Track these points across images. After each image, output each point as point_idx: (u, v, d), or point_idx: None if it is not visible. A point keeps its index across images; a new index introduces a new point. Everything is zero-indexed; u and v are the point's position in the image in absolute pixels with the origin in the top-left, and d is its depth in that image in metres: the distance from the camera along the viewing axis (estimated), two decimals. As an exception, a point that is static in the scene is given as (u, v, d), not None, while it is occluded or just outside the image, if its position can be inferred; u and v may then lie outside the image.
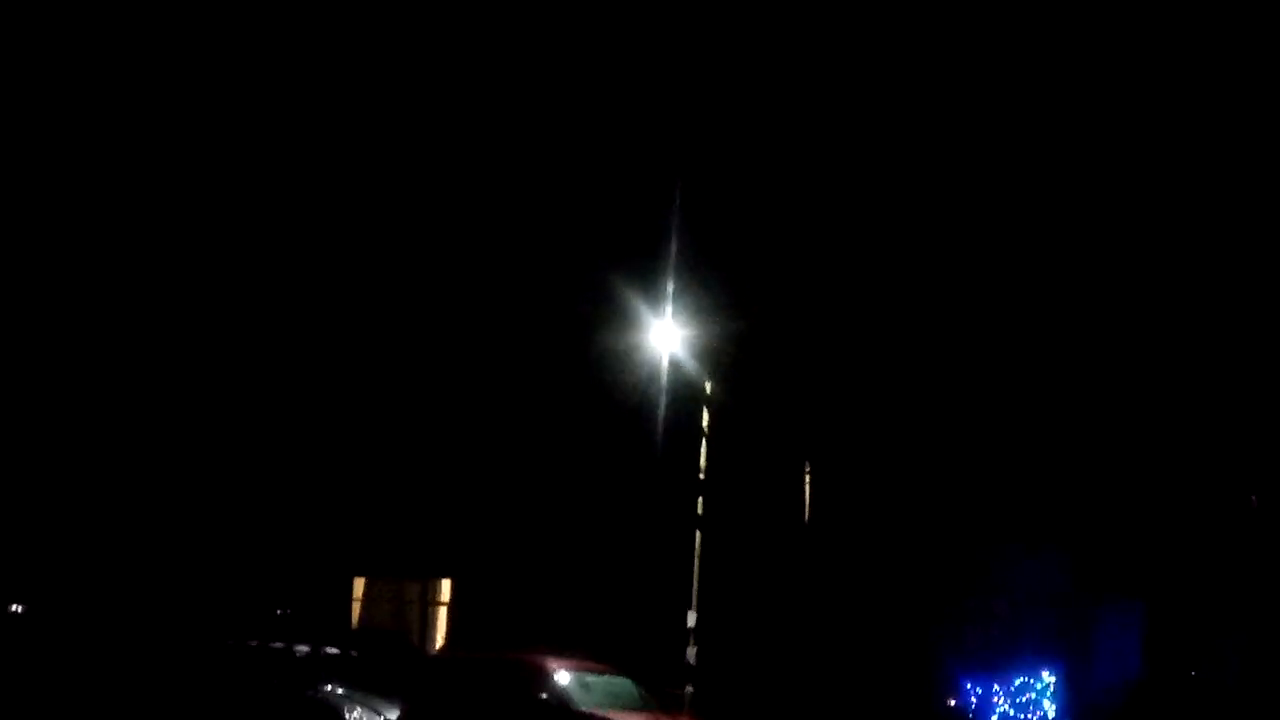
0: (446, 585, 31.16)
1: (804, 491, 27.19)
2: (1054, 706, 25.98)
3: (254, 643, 23.49)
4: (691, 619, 23.73)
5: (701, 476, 24.17)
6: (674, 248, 25.27)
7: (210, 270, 35.02)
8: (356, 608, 32.94)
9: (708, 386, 24.49)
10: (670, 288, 24.58)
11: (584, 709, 17.32)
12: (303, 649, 22.81)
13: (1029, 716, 25.93)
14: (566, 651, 18.98)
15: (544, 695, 17.56)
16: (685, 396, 25.15)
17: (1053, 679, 26.13)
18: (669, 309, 24.49)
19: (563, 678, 17.81)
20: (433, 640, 30.72)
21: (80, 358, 38.02)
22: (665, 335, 24.47)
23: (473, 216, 30.88)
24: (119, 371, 37.42)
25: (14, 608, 35.12)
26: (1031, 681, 26.16)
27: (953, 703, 26.55)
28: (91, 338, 37.83)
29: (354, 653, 22.89)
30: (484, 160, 30.92)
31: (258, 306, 34.72)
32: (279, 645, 23.11)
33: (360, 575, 33.04)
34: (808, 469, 27.26)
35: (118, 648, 27.39)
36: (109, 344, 37.46)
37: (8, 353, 38.64)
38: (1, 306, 38.18)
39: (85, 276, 37.68)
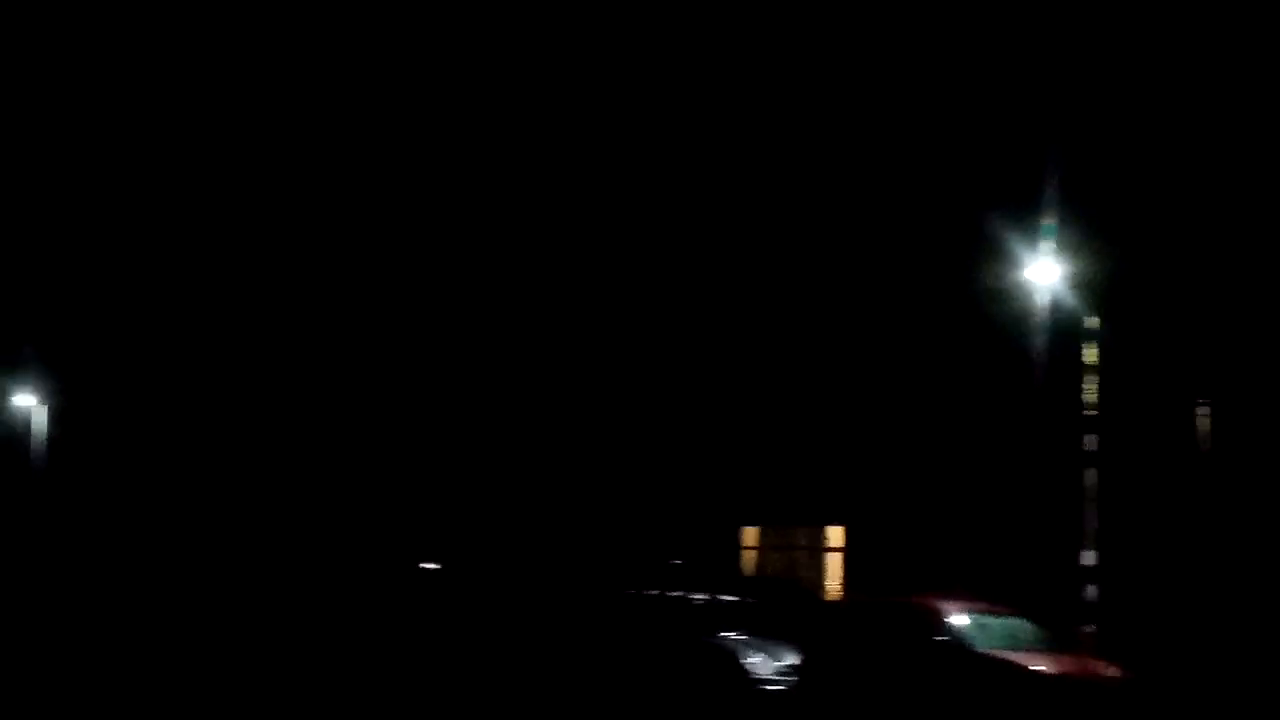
0: (837, 531, 31.32)
1: (1196, 425, 26.05)
2: None
3: (653, 592, 24.28)
4: (1089, 557, 23.20)
5: (1092, 413, 23.52)
6: (1052, 180, 24.62)
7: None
8: (748, 556, 33.50)
9: (1091, 321, 23.77)
10: (1047, 221, 24.00)
11: (983, 650, 17.26)
12: (699, 597, 23.42)
13: None
14: (962, 593, 18.89)
15: (942, 637, 17.57)
16: (1064, 332, 24.52)
17: None
18: (1046, 243, 23.89)
19: (960, 620, 17.74)
20: (825, 586, 30.95)
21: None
22: (1043, 270, 23.90)
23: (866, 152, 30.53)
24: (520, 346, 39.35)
25: (428, 565, 37.49)
26: None
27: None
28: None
29: (749, 600, 23.34)
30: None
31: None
32: (676, 594, 23.80)
33: (751, 524, 33.57)
34: (1202, 401, 26.10)
35: (529, 599, 28.93)
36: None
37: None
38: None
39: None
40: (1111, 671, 17.75)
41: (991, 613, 18.34)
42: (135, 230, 44.56)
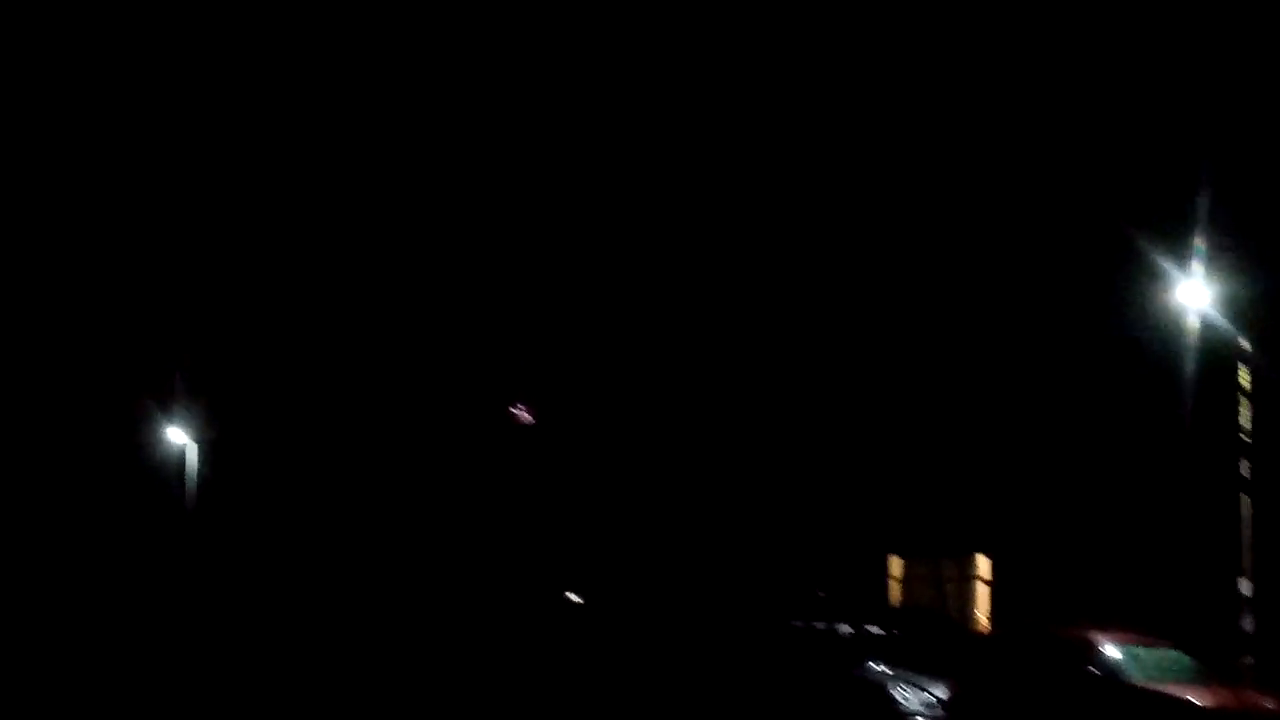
0: (984, 561, 30.92)
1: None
2: None
3: (798, 624, 24.21)
4: (1245, 587, 22.60)
5: (1247, 438, 22.94)
6: (1205, 201, 24.14)
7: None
8: (894, 587, 33.23)
9: (1246, 344, 23.21)
10: (1199, 244, 23.49)
11: (1137, 682, 16.92)
12: (845, 629, 23.29)
13: None
14: (1114, 624, 18.52)
15: (1094, 669, 17.27)
16: (1216, 357, 23.98)
17: None
18: (1198, 266, 23.39)
19: (1112, 651, 17.42)
20: (972, 618, 30.57)
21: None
22: (1194, 293, 23.41)
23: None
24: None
25: (571, 596, 37.98)
26: None
27: None
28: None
29: (896, 632, 23.14)
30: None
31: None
32: (822, 626, 23.71)
33: (896, 554, 33.30)
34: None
35: (674, 630, 29.06)
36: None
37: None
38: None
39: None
40: (1270, 704, 17.26)
41: (1145, 644, 17.96)
42: (289, 268, 45.74)
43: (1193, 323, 23.88)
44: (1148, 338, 25.74)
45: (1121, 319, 26.70)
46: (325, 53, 42.16)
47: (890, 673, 20.47)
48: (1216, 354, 23.96)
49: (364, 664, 27.32)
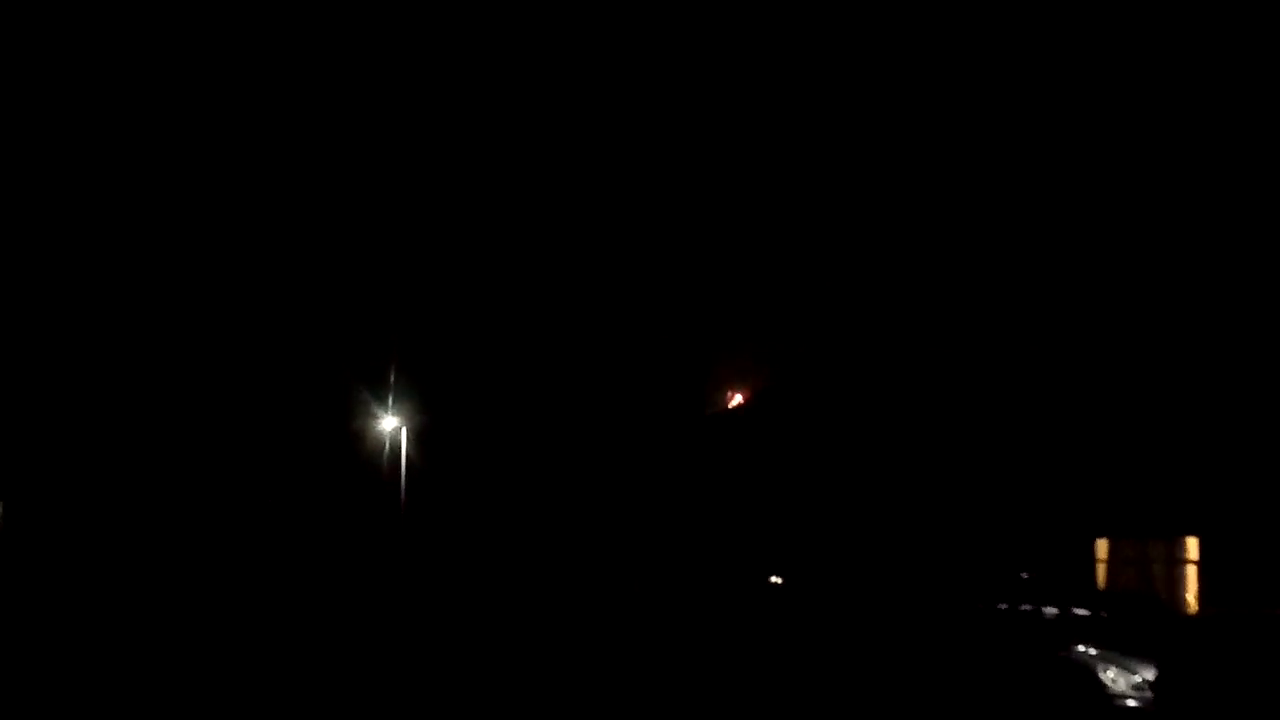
0: (1193, 542, 30.47)
1: None
2: None
3: (1003, 606, 24.23)
4: None
5: None
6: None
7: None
8: (1100, 569, 32.91)
9: None
10: None
11: (1353, 666, 16.70)
12: (1051, 611, 23.24)
13: None
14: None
15: (1307, 652, 17.08)
16: None
17: None
18: None
19: (1327, 634, 17.22)
20: (1181, 600, 30.15)
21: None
22: None
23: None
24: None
25: (773, 579, 38.55)
26: None
27: None
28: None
29: (1103, 613, 23.03)
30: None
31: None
32: (1027, 608, 23.70)
33: (1103, 536, 32.99)
34: None
35: (881, 611, 29.34)
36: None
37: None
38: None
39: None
40: None
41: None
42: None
43: None
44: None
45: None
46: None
47: (1097, 654, 20.41)
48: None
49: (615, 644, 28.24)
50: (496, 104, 46.26)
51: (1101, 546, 32.99)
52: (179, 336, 45.65)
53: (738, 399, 47.02)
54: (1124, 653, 20.23)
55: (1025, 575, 26.85)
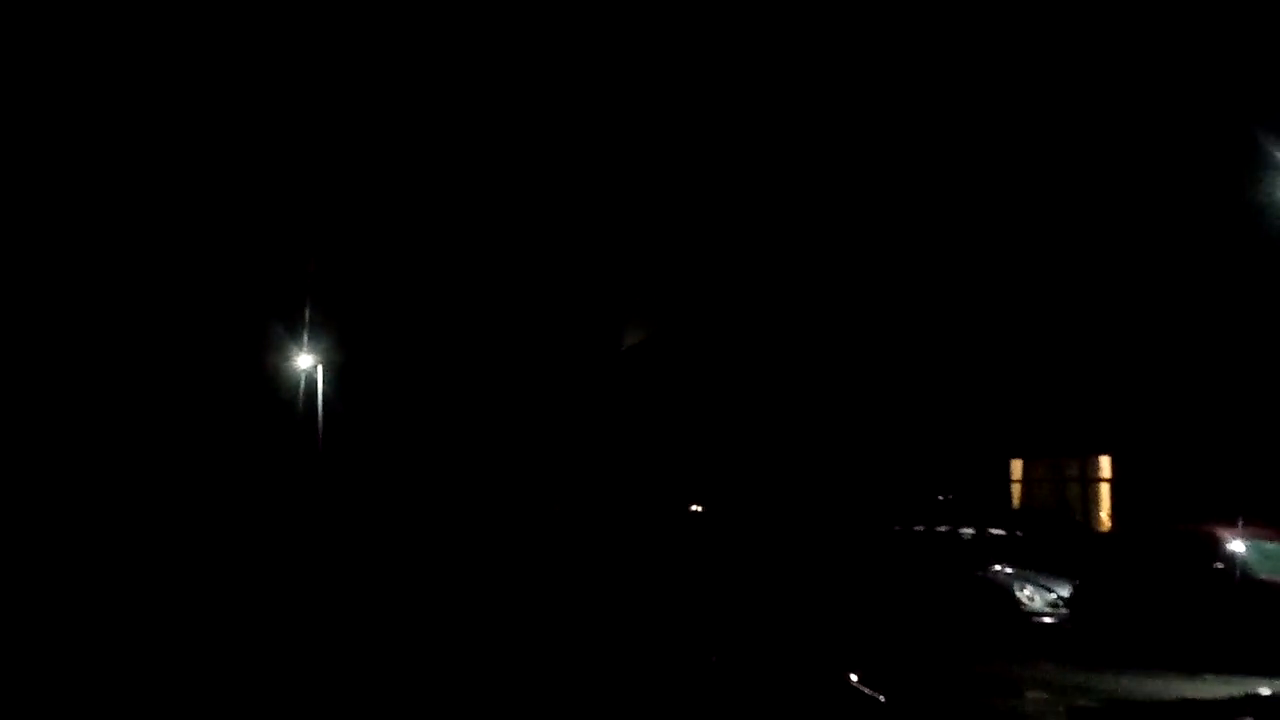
0: (1106, 461, 30.76)
1: None
2: None
3: (920, 527, 24.40)
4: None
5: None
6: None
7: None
8: (1015, 489, 33.20)
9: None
10: None
11: (1264, 577, 16.85)
12: (968, 532, 23.43)
13: None
14: (1241, 520, 18.42)
15: (1220, 565, 17.21)
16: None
17: None
18: None
19: (1238, 546, 17.34)
20: (1095, 518, 30.47)
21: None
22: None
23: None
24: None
25: (694, 507, 38.62)
26: None
27: None
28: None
29: (1019, 533, 23.23)
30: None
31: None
32: (944, 529, 23.88)
33: (1017, 456, 33.23)
34: None
35: (798, 536, 29.44)
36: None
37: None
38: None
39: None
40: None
41: (1273, 538, 17.84)
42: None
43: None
44: (1272, 226, 25.24)
45: (1248, 208, 26.16)
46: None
47: (1013, 573, 20.59)
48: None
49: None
50: (418, 20, 45.30)
51: (1016, 467, 33.24)
52: (74, 255, 44.56)
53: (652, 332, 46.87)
54: (1039, 571, 20.43)
55: (941, 497, 27.03)
